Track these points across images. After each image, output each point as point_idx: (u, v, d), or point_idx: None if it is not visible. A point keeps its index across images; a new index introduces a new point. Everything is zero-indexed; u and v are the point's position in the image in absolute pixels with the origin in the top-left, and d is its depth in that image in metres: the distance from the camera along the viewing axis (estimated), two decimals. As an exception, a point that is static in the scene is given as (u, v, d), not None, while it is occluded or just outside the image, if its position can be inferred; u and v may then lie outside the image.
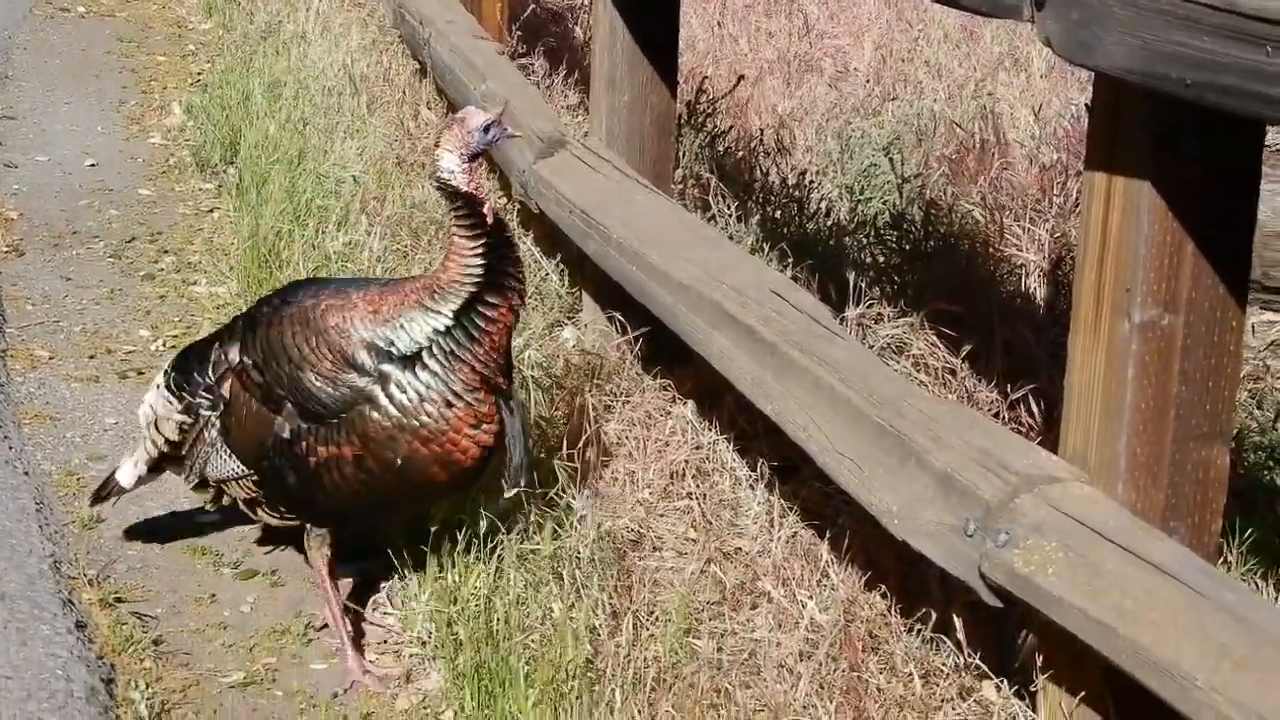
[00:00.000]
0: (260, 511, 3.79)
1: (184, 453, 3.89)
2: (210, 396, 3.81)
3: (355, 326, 3.58)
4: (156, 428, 3.93)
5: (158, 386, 3.96)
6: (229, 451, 3.78)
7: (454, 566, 3.71)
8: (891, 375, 3.52)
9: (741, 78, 6.99)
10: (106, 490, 4.05)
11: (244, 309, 4.22)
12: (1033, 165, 6.13)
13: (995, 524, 2.81)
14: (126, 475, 4.02)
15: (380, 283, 3.78)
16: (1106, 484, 2.80)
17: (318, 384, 3.58)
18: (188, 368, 3.89)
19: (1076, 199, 5.47)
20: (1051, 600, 2.67)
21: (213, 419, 3.80)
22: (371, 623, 3.83)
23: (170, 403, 3.90)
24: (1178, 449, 2.77)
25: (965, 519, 2.88)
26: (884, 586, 3.54)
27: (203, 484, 3.90)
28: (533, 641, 3.45)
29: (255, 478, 3.73)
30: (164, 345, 5.25)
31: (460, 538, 3.77)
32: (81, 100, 8.10)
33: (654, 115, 4.88)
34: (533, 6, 8.22)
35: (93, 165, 7.08)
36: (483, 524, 3.81)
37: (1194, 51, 2.36)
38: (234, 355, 3.76)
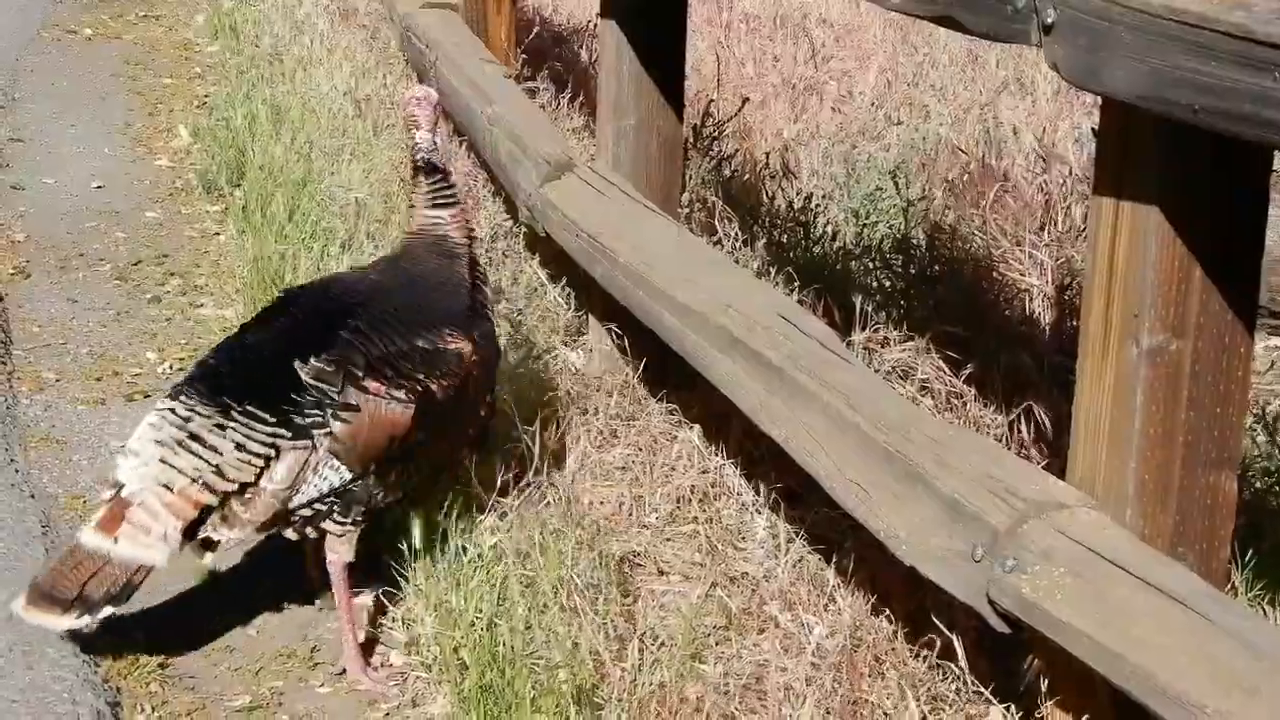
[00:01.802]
0: (330, 523, 3.66)
1: (251, 494, 3.56)
2: (324, 412, 3.59)
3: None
4: (209, 478, 3.53)
5: (191, 438, 3.55)
6: (338, 463, 3.60)
7: (458, 589, 3.70)
8: (899, 400, 3.52)
9: (746, 100, 7.00)
10: (130, 587, 3.55)
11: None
12: (1037, 189, 6.12)
13: (1003, 550, 2.81)
14: (155, 552, 3.52)
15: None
16: (1114, 510, 2.80)
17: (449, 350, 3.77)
18: (274, 396, 3.59)
19: (1081, 223, 5.48)
20: (1059, 626, 2.67)
21: (320, 437, 3.58)
22: (382, 643, 3.83)
23: (249, 438, 3.55)
24: (1186, 475, 2.77)
25: (973, 544, 2.88)
26: (890, 612, 3.53)
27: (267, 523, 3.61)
28: (538, 665, 3.45)
29: (350, 484, 3.62)
30: (170, 368, 5.25)
31: (464, 560, 3.77)
32: (88, 123, 8.11)
33: (661, 139, 4.88)
34: (537, 30, 8.24)
35: (99, 187, 7.08)
36: (485, 545, 3.82)
37: (1202, 77, 2.36)
38: (359, 360, 3.63)
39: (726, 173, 6.33)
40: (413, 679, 3.65)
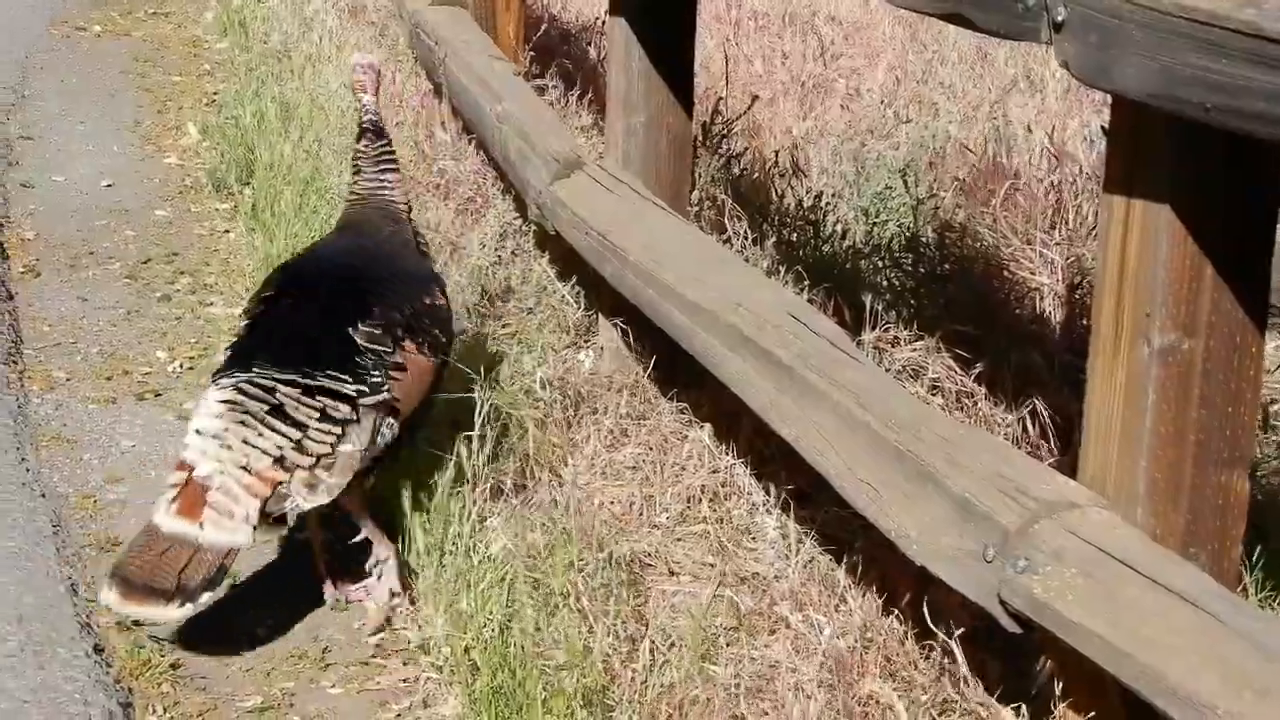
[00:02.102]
0: (370, 479, 3.81)
1: (330, 461, 3.66)
2: (381, 373, 3.78)
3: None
4: (289, 454, 3.61)
5: (275, 412, 3.63)
6: (393, 420, 3.79)
7: (469, 590, 3.70)
8: (909, 399, 3.52)
9: (755, 98, 6.99)
10: (224, 571, 3.58)
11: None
12: (1047, 188, 6.11)
13: (1014, 550, 2.80)
14: (241, 534, 3.56)
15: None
16: (1125, 510, 2.79)
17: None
18: (342, 363, 3.73)
19: (1091, 222, 5.47)
20: (1071, 626, 2.66)
21: (386, 397, 3.77)
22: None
23: (331, 406, 3.66)
24: (1197, 474, 2.76)
25: (984, 544, 2.88)
26: (901, 612, 3.53)
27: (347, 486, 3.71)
28: (549, 667, 3.44)
29: (396, 439, 3.80)
30: (180, 367, 5.26)
31: (474, 562, 3.77)
32: (98, 120, 8.12)
33: (670, 137, 4.87)
34: (546, 27, 8.23)
35: (109, 185, 7.09)
36: (495, 546, 3.82)
37: (1214, 75, 2.35)
38: (400, 321, 3.87)
39: (736, 171, 6.33)
40: (424, 680, 3.65)
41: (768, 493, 4.10)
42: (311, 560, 3.98)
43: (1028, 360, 4.48)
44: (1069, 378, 4.31)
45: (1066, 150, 6.58)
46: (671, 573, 3.93)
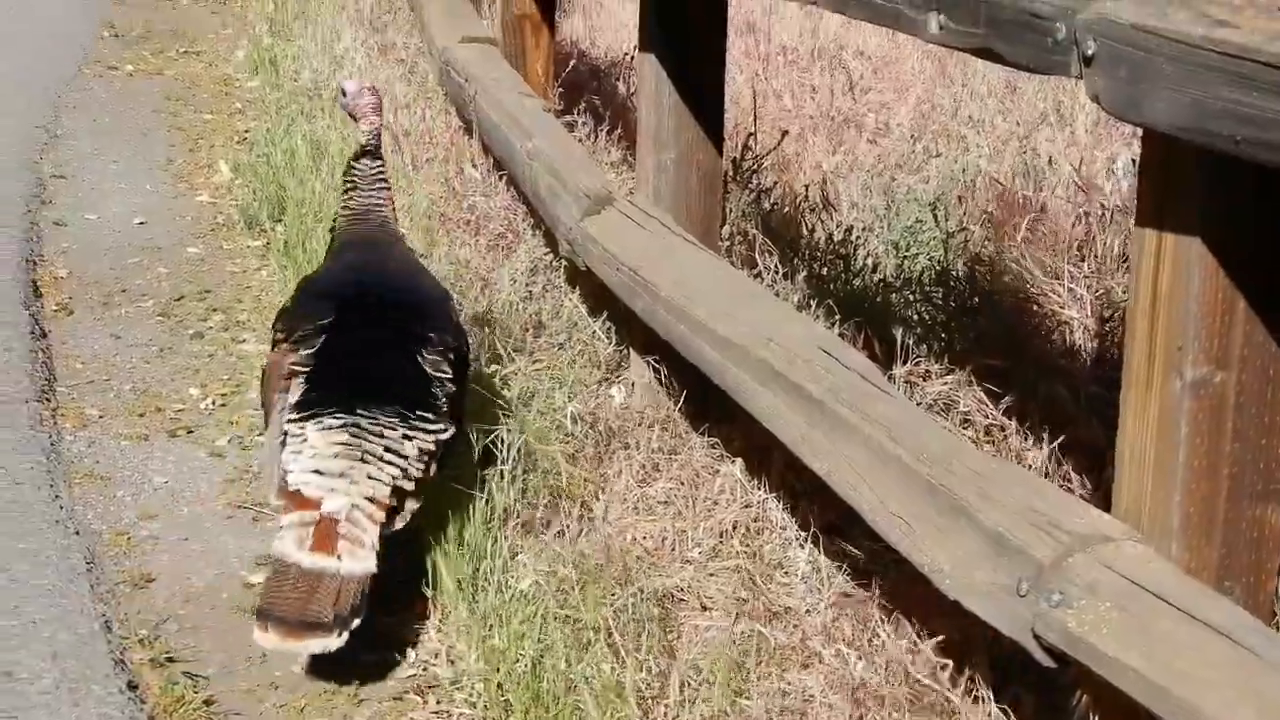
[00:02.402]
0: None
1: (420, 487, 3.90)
2: (447, 401, 4.04)
3: None
4: (400, 484, 3.82)
5: (388, 450, 3.82)
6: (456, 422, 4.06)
7: (501, 626, 3.70)
8: (941, 432, 3.51)
9: (785, 133, 7.01)
10: (365, 598, 3.67)
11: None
12: (1076, 221, 6.11)
13: (1048, 584, 2.79)
14: (371, 561, 3.70)
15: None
16: (1159, 543, 2.78)
17: None
18: (429, 398, 3.98)
19: (1120, 255, 5.47)
20: (1106, 660, 2.65)
21: (453, 427, 4.04)
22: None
23: (425, 439, 3.90)
24: (1231, 508, 2.75)
25: (1018, 579, 2.87)
26: (934, 646, 3.52)
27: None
28: (581, 704, 3.44)
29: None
30: (213, 404, 5.27)
31: (506, 597, 3.78)
32: (130, 159, 8.16)
33: (701, 172, 4.89)
34: (575, 63, 8.26)
35: (141, 223, 7.13)
36: (526, 582, 3.82)
37: (1244, 108, 2.35)
38: (450, 341, 4.15)
39: (766, 205, 6.34)
40: (457, 717, 3.65)
41: (800, 527, 4.09)
42: None
43: (1057, 393, 4.48)
44: (1099, 411, 4.30)
45: (1095, 183, 6.58)
46: (704, 607, 3.92)
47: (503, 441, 4.39)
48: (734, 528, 4.19)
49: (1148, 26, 2.52)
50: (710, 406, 4.56)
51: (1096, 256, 5.60)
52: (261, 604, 3.70)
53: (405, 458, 3.85)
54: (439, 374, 4.04)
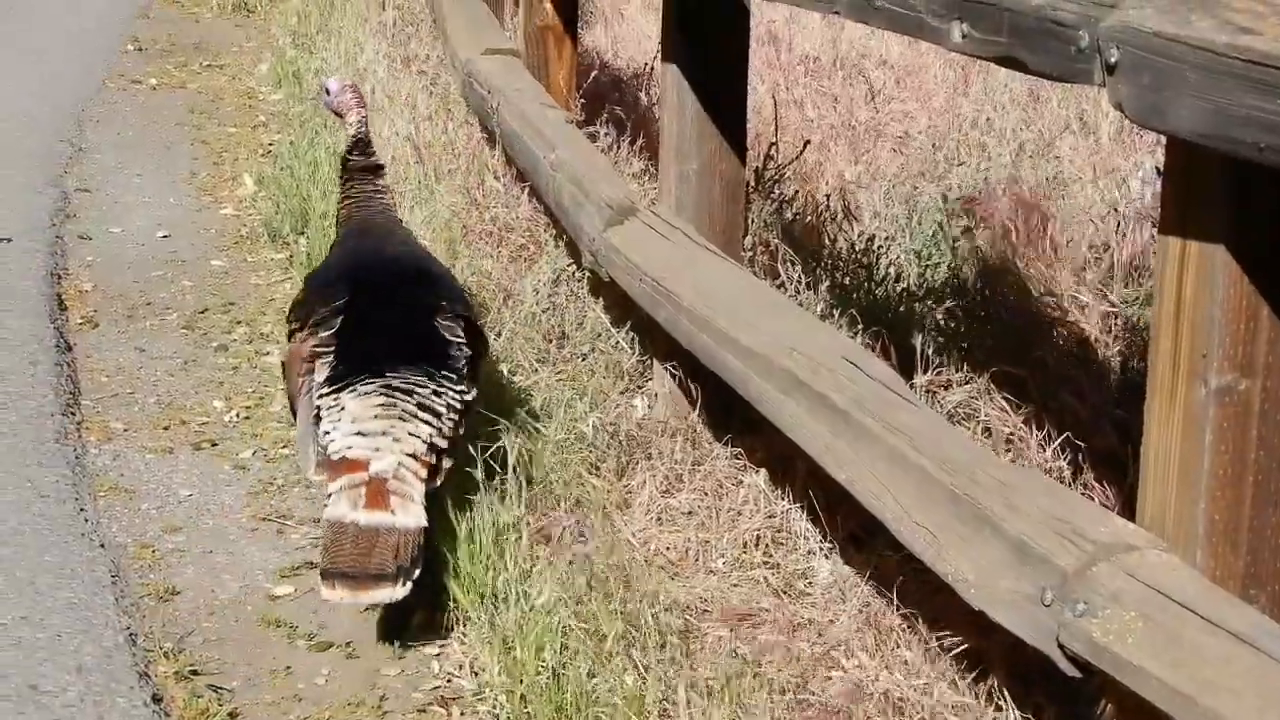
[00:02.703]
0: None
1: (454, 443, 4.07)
2: (467, 363, 4.22)
3: None
4: (437, 442, 3.98)
5: (421, 408, 3.99)
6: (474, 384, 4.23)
7: (522, 637, 3.70)
8: (964, 441, 3.51)
9: (806, 143, 7.00)
10: (421, 549, 3.84)
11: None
12: (1098, 229, 6.10)
13: (1073, 593, 2.79)
14: (422, 514, 3.87)
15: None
16: (1184, 551, 2.77)
17: None
18: (445, 360, 4.14)
19: (1142, 263, 5.46)
20: (1130, 669, 2.65)
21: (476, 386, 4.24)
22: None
23: (454, 399, 4.07)
24: (1256, 515, 2.75)
25: (1042, 588, 2.86)
26: (957, 656, 3.51)
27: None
28: (604, 715, 3.44)
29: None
30: (237, 416, 5.28)
31: (527, 608, 3.78)
32: (154, 172, 8.19)
33: (723, 183, 4.89)
34: (597, 74, 8.26)
35: (165, 236, 7.15)
36: (547, 593, 3.82)
37: (1267, 115, 2.34)
38: (461, 309, 4.34)
39: (788, 215, 6.33)
40: (480, 726, 3.65)
41: (823, 537, 4.09)
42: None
43: (1078, 402, 4.47)
44: (1119, 419, 4.29)
45: (1119, 192, 6.57)
46: (727, 618, 3.92)
47: (524, 451, 4.39)
48: (757, 538, 4.19)
49: (1171, 34, 2.51)
50: (733, 416, 4.56)
51: (1116, 264, 5.59)
52: (325, 565, 3.84)
53: (439, 414, 4.00)
54: (454, 339, 4.20)
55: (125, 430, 5.19)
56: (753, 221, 5.86)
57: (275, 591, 4.22)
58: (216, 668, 3.88)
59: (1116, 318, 5.16)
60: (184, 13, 12.85)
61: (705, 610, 3.93)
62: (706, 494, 4.40)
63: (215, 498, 4.72)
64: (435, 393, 4.03)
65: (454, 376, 4.11)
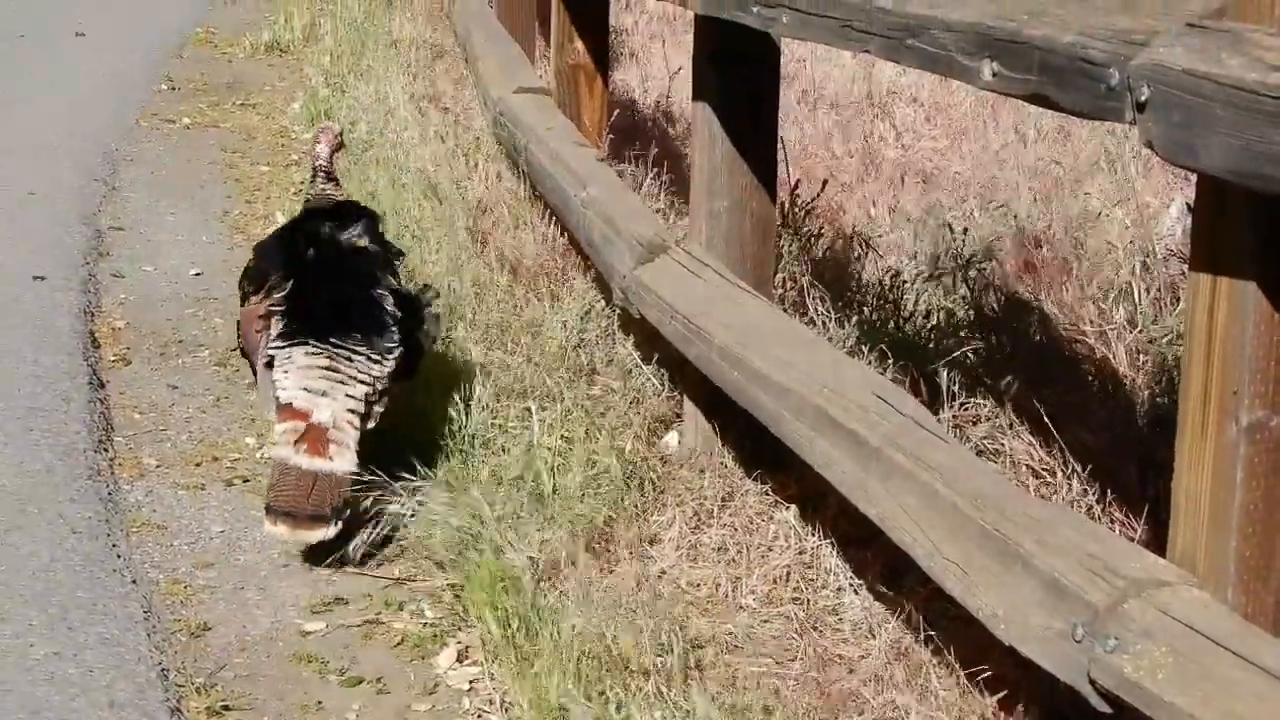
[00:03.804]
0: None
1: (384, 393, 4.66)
2: (396, 325, 4.74)
3: None
4: (371, 392, 4.58)
5: (358, 370, 4.58)
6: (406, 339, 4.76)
7: (554, 672, 3.71)
8: (995, 477, 3.51)
9: (825, 182, 7.02)
10: (349, 496, 4.45)
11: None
12: (1127, 265, 6.11)
13: (1104, 629, 2.79)
14: (355, 460, 4.48)
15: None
16: (1216, 588, 2.77)
17: None
18: (384, 325, 4.69)
19: (1171, 299, 5.46)
20: (1162, 706, 2.64)
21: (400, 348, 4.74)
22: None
23: (385, 355, 4.65)
24: (1288, 552, 2.74)
25: (1073, 624, 2.86)
26: (989, 693, 3.51)
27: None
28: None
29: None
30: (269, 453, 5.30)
31: (557, 642, 3.78)
32: (187, 210, 8.23)
33: (754, 220, 4.90)
34: (628, 111, 8.30)
35: (198, 274, 7.18)
36: (578, 627, 3.83)
37: (1297, 152, 2.35)
38: (393, 282, 4.87)
39: (818, 252, 6.35)
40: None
41: (854, 573, 4.09)
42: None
43: (1107, 437, 4.47)
44: (1148, 454, 4.29)
45: (1148, 228, 6.57)
46: (758, 654, 3.92)
47: (554, 484, 4.41)
48: (787, 575, 4.19)
49: (1202, 72, 2.52)
50: (764, 452, 4.56)
51: (1147, 301, 5.59)
52: (270, 501, 4.43)
53: (373, 376, 4.59)
54: (389, 307, 4.73)
55: (157, 466, 5.21)
56: (782, 258, 5.88)
57: (306, 627, 4.23)
58: (248, 704, 3.89)
59: (1145, 353, 5.15)
60: (217, 53, 12.93)
61: (736, 646, 3.93)
62: (737, 530, 4.41)
63: (247, 534, 4.74)
64: (370, 359, 4.60)
65: (389, 344, 4.66)
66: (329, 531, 4.39)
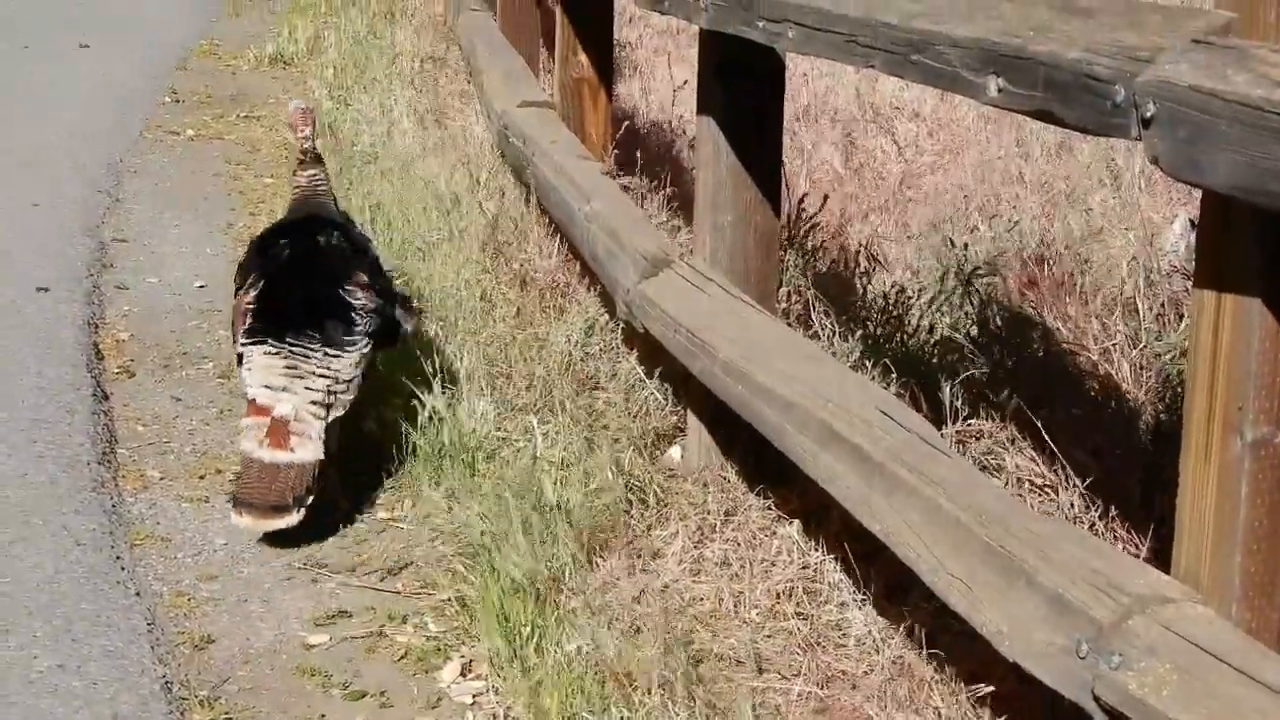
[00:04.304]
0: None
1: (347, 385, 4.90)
2: (365, 323, 5.00)
3: None
4: (334, 387, 4.84)
5: (319, 367, 4.82)
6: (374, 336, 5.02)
7: (557, 689, 3.71)
8: (999, 493, 3.51)
9: (826, 197, 7.02)
10: (316, 481, 4.71)
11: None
12: (1129, 281, 6.11)
13: (1108, 645, 2.79)
14: (319, 450, 4.73)
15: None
16: (1220, 604, 2.77)
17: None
18: (351, 323, 4.95)
19: (1173, 315, 5.46)
20: (1166, 722, 2.65)
21: (369, 341, 5.00)
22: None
23: (347, 353, 4.90)
24: (1292, 568, 2.74)
25: (1077, 640, 2.86)
26: (991, 709, 3.51)
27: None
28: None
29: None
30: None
31: (559, 658, 3.78)
32: (191, 222, 8.24)
33: (758, 234, 4.91)
34: (632, 125, 8.30)
35: (202, 286, 7.19)
36: (580, 643, 3.83)
37: (1302, 169, 2.35)
38: (364, 279, 5.10)
39: (821, 266, 6.35)
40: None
41: (857, 588, 4.09)
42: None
43: (1109, 453, 4.46)
44: (1151, 470, 4.29)
45: (1150, 244, 6.57)
46: (760, 670, 3.92)
47: (557, 498, 4.41)
48: (790, 590, 4.19)
49: (1208, 89, 2.52)
50: (767, 466, 4.57)
51: (1148, 317, 5.59)
52: (236, 493, 4.74)
53: (334, 372, 4.84)
54: (356, 300, 4.98)
55: (161, 479, 5.21)
56: (786, 272, 5.88)
57: (310, 640, 4.23)
58: (251, 717, 3.89)
59: (1148, 369, 5.15)
60: (221, 65, 12.94)
61: (739, 661, 3.93)
62: (740, 544, 4.41)
63: (250, 546, 4.74)
64: (327, 353, 4.85)
65: (352, 336, 4.91)
66: (291, 519, 4.65)
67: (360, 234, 5.56)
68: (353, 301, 4.99)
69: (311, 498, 4.67)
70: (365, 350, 4.95)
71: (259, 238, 5.47)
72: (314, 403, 4.78)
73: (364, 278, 5.09)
